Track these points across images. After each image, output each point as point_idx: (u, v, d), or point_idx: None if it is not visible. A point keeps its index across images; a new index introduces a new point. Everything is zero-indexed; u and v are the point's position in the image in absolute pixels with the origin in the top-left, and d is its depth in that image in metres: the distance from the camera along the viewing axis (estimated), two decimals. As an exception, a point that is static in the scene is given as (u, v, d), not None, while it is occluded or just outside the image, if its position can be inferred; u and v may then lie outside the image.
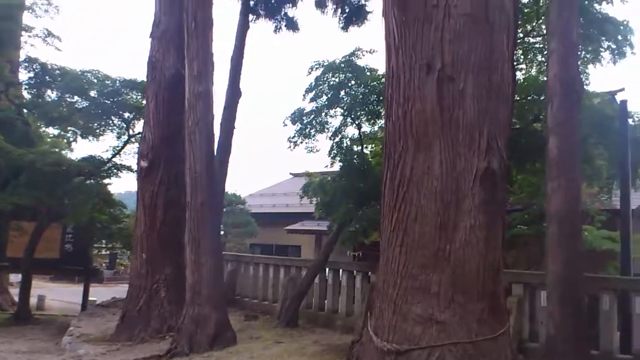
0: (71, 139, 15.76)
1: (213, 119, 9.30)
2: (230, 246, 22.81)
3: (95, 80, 13.93)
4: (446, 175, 5.19)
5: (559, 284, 6.30)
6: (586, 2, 8.88)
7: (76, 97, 14.04)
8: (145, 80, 11.65)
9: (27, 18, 15.92)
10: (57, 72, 13.88)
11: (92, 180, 14.02)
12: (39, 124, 15.85)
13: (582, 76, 8.81)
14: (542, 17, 9.43)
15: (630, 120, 9.24)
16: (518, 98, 8.85)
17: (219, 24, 8.74)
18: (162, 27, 10.99)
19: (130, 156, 14.83)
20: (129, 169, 14.58)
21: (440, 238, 5.15)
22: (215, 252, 8.92)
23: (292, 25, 13.88)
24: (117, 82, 13.99)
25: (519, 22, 8.60)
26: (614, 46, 9.15)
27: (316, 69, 10.55)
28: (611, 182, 10.18)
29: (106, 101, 13.93)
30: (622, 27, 9.01)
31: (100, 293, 17.70)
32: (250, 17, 13.07)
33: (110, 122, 14.57)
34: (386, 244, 5.53)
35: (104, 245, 21.52)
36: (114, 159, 14.63)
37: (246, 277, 13.30)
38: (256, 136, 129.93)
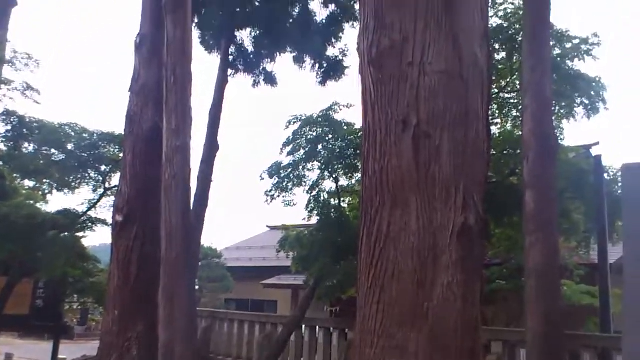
0: (47, 192, 15.50)
1: (190, 172, 9.20)
2: (205, 301, 22.39)
3: (72, 133, 13.85)
4: (423, 232, 5.12)
5: (539, 341, 6.21)
6: (559, 59, 9.09)
7: (53, 150, 13.92)
8: (123, 133, 11.59)
9: (7, 71, 15.93)
10: (35, 124, 13.76)
11: (66, 234, 13.75)
12: (14, 176, 15.63)
13: (556, 131, 8.94)
14: (516, 74, 9.62)
15: (605, 175, 9.35)
16: (494, 152, 8.94)
17: (198, 79, 8.77)
18: (141, 82, 10.97)
19: (105, 209, 14.65)
20: (104, 222, 14.37)
21: (418, 295, 5.03)
22: (189, 308, 8.67)
23: (270, 79, 14.06)
24: (95, 135, 13.92)
25: (494, 78, 8.77)
26: (587, 102, 9.35)
27: (294, 122, 10.62)
28: (588, 236, 10.23)
29: (83, 154, 13.82)
30: (594, 84, 9.23)
31: (70, 350, 17.15)
32: (229, 71, 13.20)
33: (87, 175, 14.43)
34: (363, 302, 5.39)
35: (75, 301, 20.96)
36: (89, 212, 14.44)
37: (221, 334, 13.00)
38: (233, 189, 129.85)
